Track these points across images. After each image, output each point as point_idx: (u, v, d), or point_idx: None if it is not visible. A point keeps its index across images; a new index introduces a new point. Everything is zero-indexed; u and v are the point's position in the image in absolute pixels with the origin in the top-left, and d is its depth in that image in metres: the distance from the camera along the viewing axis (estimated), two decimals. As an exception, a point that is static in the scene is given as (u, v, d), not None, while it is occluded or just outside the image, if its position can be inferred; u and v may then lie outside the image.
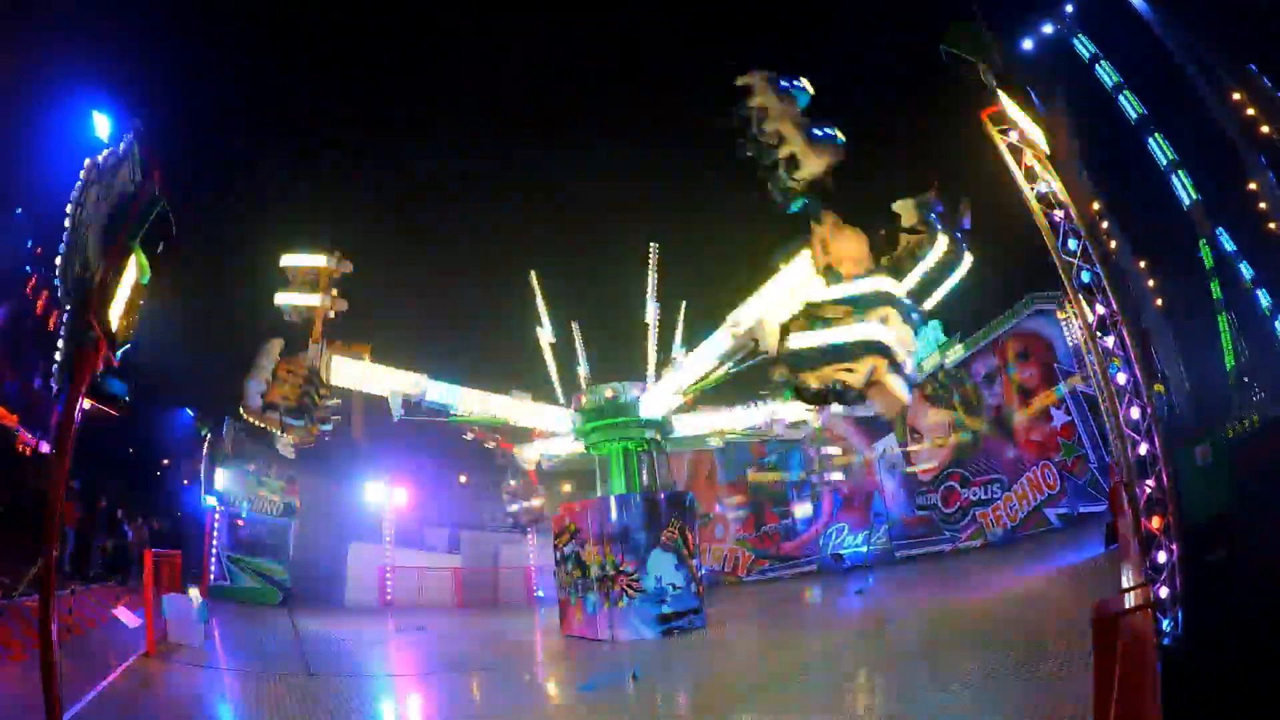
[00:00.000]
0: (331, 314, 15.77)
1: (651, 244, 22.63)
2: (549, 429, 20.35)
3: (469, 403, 18.32)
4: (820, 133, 11.37)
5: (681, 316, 22.40)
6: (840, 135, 11.51)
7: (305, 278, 15.76)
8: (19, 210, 23.56)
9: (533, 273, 23.58)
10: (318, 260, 15.78)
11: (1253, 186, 26.30)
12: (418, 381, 17.14)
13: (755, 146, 11.74)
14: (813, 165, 11.28)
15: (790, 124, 11.43)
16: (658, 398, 19.40)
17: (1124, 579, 7.57)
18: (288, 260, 15.76)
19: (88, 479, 21.19)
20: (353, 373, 16.32)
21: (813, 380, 10.48)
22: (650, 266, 22.43)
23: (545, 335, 22.84)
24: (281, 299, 15.70)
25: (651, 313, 22.15)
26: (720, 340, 16.24)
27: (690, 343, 21.16)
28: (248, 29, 46.20)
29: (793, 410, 20.39)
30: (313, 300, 15.66)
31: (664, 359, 21.38)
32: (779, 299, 13.91)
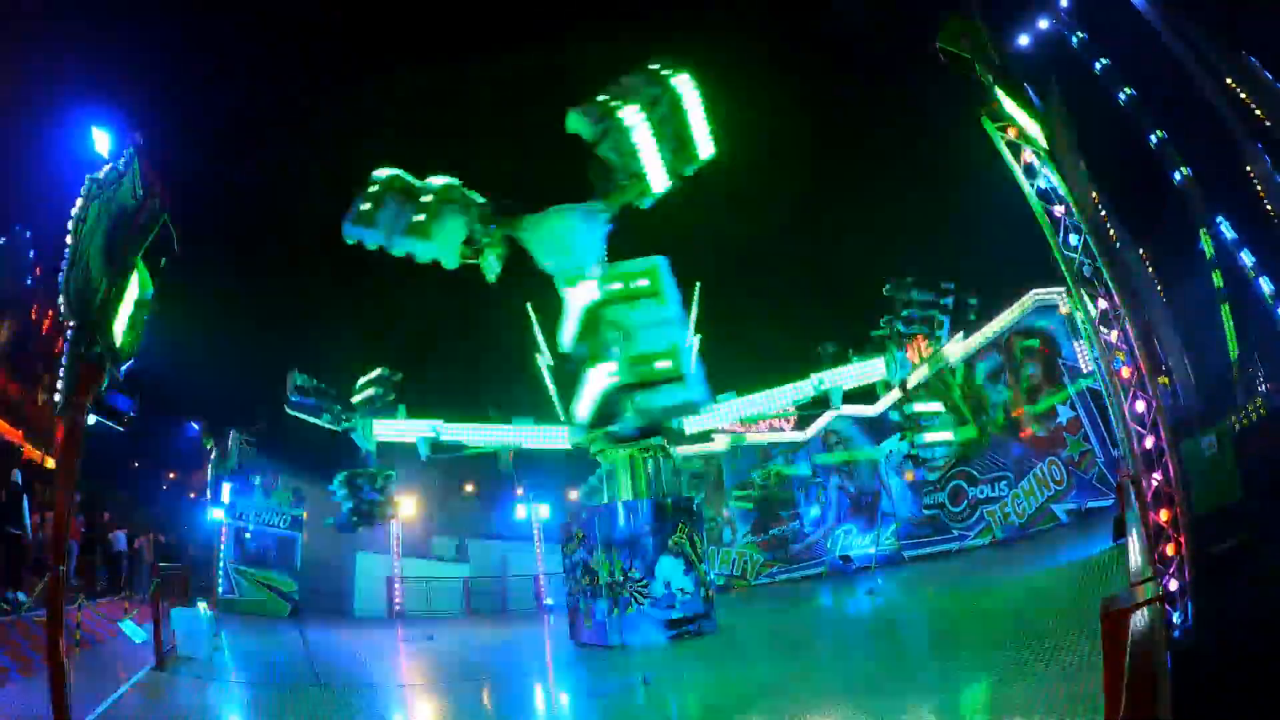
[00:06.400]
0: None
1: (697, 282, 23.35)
2: (552, 447, 21.08)
3: (478, 436, 20.35)
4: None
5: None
6: None
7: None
8: (21, 226, 23.68)
9: (529, 305, 23.88)
10: (318, 420, 19.30)
11: (1251, 175, 26.26)
12: (433, 426, 19.68)
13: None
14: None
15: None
16: (708, 419, 20.26)
17: (1132, 573, 7.54)
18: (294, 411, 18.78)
19: (92, 492, 21.24)
20: (390, 431, 19.38)
21: None
22: (693, 302, 23.00)
23: (544, 360, 23.16)
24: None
25: (694, 344, 22.66)
26: (803, 389, 18.69)
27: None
28: (247, 41, 46.40)
29: (861, 371, 20.52)
30: (333, 425, 19.14)
31: None
32: (857, 377, 18.40)
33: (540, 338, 23.64)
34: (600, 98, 12.41)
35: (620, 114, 12.48)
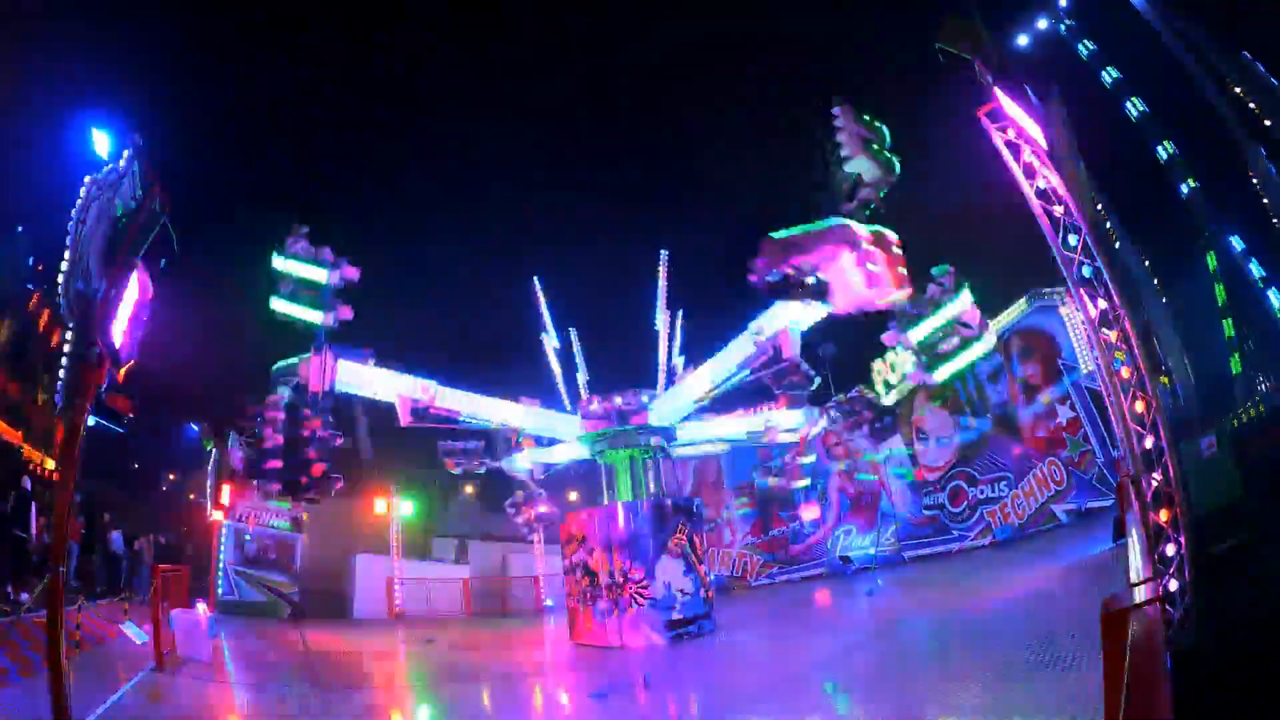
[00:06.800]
0: (334, 324, 14.30)
1: (662, 251, 22.72)
2: (558, 436, 20.20)
3: (477, 409, 17.83)
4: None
5: (679, 325, 22.37)
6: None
7: (304, 288, 14.14)
8: (20, 227, 23.68)
9: (535, 279, 23.44)
10: (317, 273, 14.15)
11: (1251, 175, 26.25)
12: (426, 387, 16.28)
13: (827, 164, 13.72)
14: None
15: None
16: (670, 405, 19.34)
17: (1132, 573, 7.54)
18: (283, 265, 14.09)
19: (92, 493, 21.27)
20: (360, 377, 15.43)
21: None
22: (660, 275, 22.51)
23: (550, 341, 22.56)
24: (280, 308, 14.19)
25: (662, 321, 22.12)
26: (743, 346, 16.59)
27: (688, 351, 21.73)
28: (246, 39, 46.47)
29: (788, 417, 21.06)
30: (314, 315, 14.19)
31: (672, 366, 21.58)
32: (794, 310, 14.98)
33: (547, 315, 22.83)
34: (874, 147, 13.49)
35: (896, 165, 13.66)
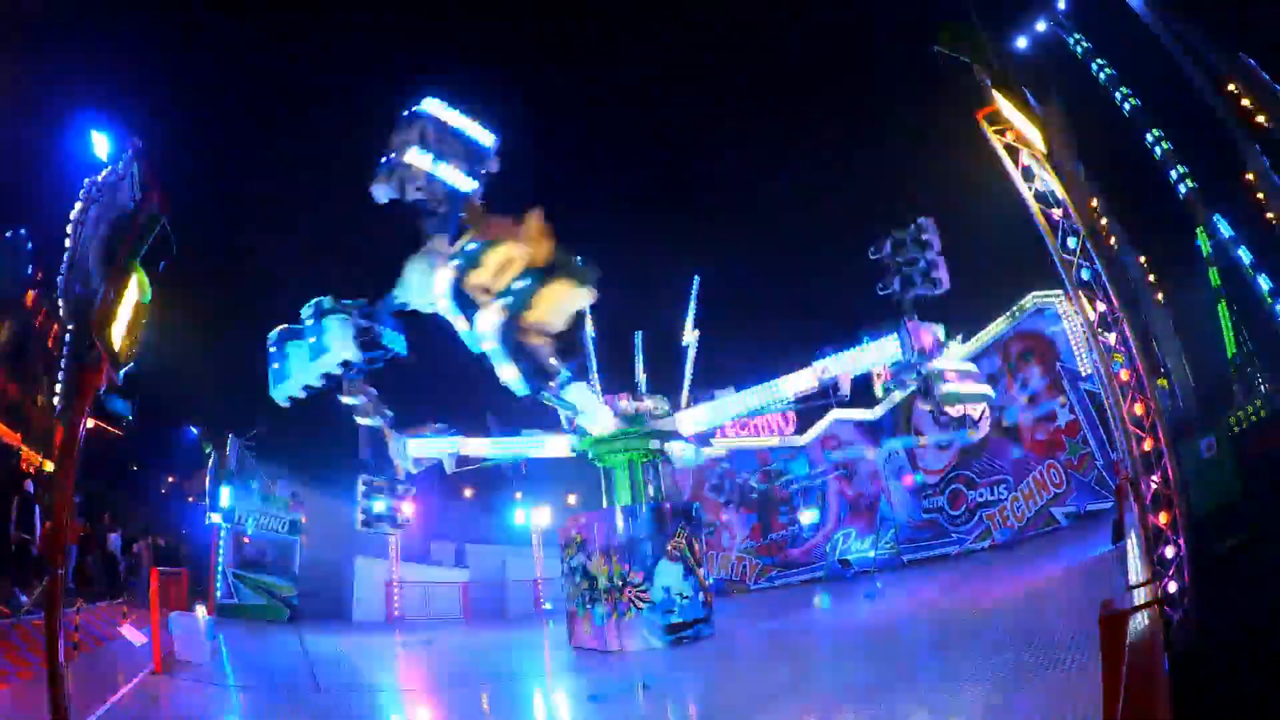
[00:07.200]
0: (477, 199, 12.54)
1: (695, 276, 23.05)
2: (588, 426, 19.51)
3: (494, 449, 20.89)
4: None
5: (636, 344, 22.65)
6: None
7: (457, 148, 12.03)
8: (20, 229, 23.68)
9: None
10: (481, 134, 12.06)
11: (1251, 176, 26.20)
12: (454, 442, 20.39)
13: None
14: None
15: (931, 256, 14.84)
16: (700, 416, 19.37)
17: (1132, 576, 7.54)
18: (440, 112, 11.97)
19: (91, 495, 21.24)
20: (419, 448, 20.09)
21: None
22: (692, 295, 22.76)
23: (588, 327, 21.93)
24: (419, 164, 11.87)
25: (692, 339, 22.32)
26: (804, 378, 17.14)
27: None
28: (246, 39, 46.48)
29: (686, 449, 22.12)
30: (461, 180, 12.05)
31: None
32: (865, 361, 16.27)
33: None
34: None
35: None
